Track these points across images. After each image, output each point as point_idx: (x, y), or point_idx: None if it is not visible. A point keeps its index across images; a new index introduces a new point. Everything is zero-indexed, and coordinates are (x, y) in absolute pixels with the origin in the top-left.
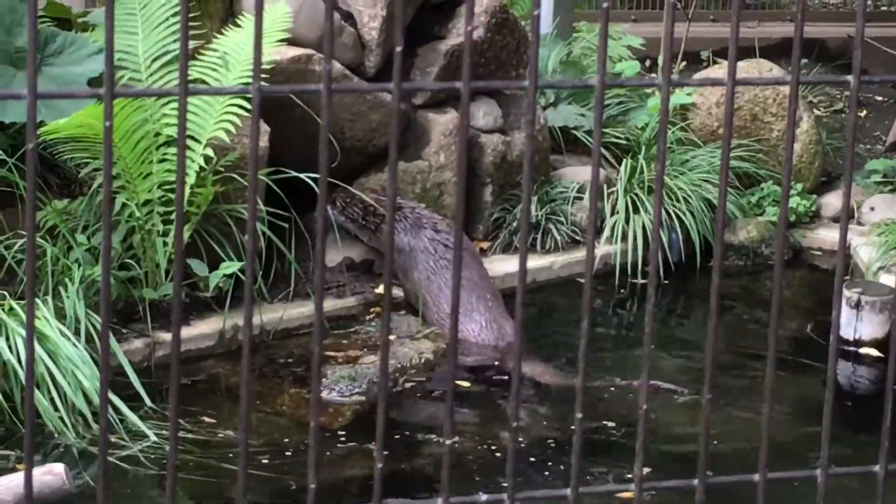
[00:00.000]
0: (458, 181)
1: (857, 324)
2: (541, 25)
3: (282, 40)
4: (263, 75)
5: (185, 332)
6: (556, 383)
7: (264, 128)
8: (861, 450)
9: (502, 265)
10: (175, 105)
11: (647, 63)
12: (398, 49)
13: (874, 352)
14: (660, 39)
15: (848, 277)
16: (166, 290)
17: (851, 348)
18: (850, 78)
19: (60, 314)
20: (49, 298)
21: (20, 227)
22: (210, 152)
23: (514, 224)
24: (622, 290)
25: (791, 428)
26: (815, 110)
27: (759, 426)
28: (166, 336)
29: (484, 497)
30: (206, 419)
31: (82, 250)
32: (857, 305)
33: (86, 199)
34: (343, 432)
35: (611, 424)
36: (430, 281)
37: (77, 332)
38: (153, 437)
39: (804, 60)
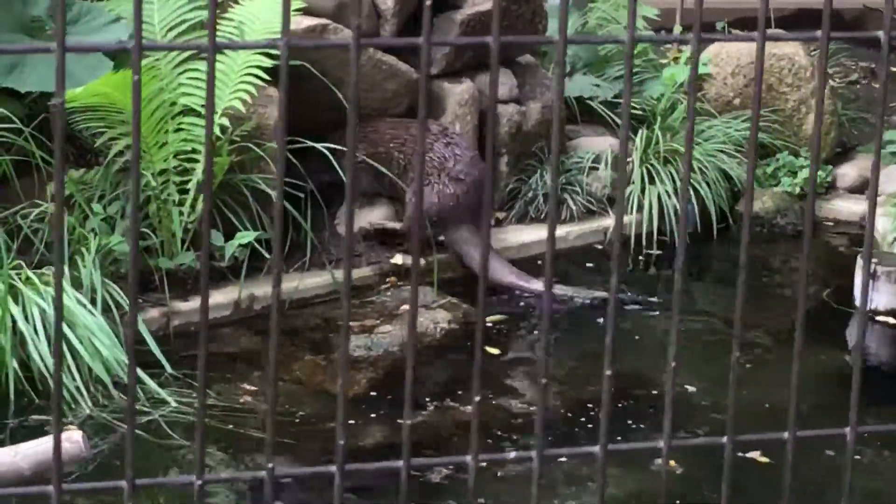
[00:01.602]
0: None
1: (872, 293)
2: None
3: (297, 9)
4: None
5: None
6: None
7: (280, 97)
8: (872, 417)
9: (517, 235)
10: (192, 74)
11: (663, 34)
12: None
13: (891, 320)
14: (675, 11)
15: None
16: (182, 260)
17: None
18: (820, 34)
19: (77, 283)
20: (65, 268)
21: (36, 196)
22: (226, 122)
23: (530, 195)
24: (640, 258)
25: (805, 393)
26: (831, 81)
27: (779, 388)
28: (183, 305)
29: (376, 466)
30: (246, 386)
31: (98, 220)
32: (873, 275)
33: (101, 169)
34: (358, 400)
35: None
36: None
37: (93, 302)
38: (173, 403)
39: (817, 32)
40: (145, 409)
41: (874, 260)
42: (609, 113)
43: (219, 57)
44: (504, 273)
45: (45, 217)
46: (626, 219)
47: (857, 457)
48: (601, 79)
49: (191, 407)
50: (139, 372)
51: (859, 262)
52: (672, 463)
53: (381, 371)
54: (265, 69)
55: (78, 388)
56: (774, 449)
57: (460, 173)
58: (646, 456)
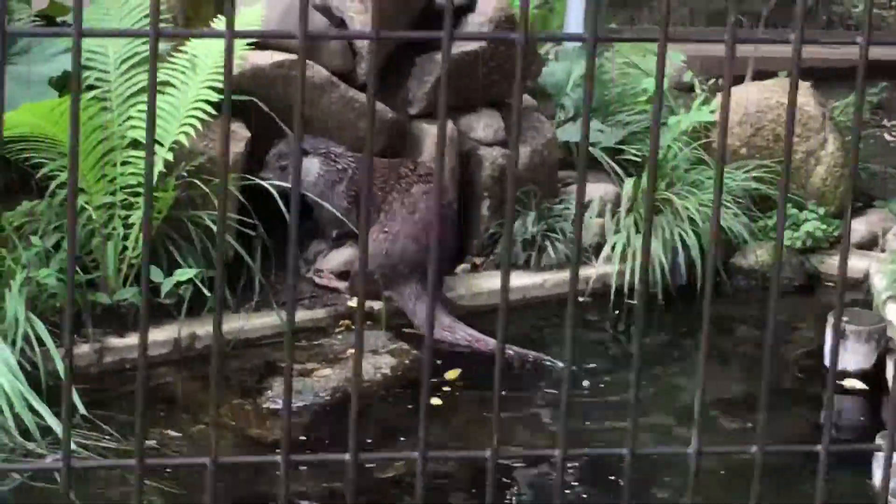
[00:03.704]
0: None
1: (842, 354)
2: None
3: (249, 45)
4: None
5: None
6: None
7: (244, 133)
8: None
9: (491, 281)
10: (142, 107)
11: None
12: None
13: (859, 384)
14: (701, 58)
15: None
16: (124, 295)
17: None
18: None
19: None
20: None
21: None
22: (170, 157)
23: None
24: (616, 311)
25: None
26: (887, 135)
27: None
28: (116, 341)
29: None
30: (169, 432)
31: (32, 253)
32: (843, 335)
33: (45, 201)
34: (276, 446)
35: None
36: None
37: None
38: (73, 447)
39: (883, 84)
40: (40, 451)
41: (844, 318)
42: (608, 160)
43: (170, 91)
44: (454, 331)
45: None
46: (610, 269)
47: None
48: (606, 124)
49: (93, 452)
50: (44, 410)
51: (829, 320)
52: None
53: (305, 416)
54: (214, 104)
55: None
56: None
57: (395, 228)
58: None
